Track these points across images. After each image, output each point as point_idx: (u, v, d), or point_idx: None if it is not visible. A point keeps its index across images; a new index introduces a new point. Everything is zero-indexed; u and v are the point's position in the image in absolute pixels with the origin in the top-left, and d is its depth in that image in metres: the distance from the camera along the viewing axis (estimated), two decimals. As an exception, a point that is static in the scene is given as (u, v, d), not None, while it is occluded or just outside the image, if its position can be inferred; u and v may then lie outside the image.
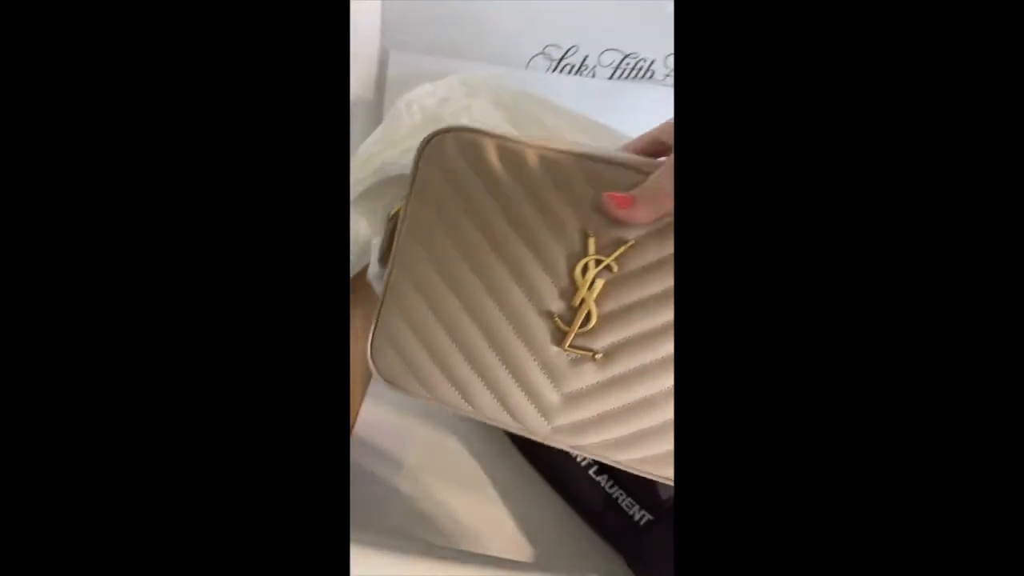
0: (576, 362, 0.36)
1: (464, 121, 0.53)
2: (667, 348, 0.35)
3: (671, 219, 0.35)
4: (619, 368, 0.36)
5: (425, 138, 0.37)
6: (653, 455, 0.37)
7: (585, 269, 0.35)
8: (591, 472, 0.55)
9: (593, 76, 0.61)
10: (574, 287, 0.35)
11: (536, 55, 0.61)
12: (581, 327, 0.36)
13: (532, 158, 0.36)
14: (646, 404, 0.36)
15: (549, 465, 0.56)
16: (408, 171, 0.38)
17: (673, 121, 0.39)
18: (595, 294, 0.35)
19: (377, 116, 0.62)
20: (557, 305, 0.36)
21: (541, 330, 0.36)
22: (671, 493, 0.53)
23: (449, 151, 0.36)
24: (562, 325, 0.36)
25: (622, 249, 0.35)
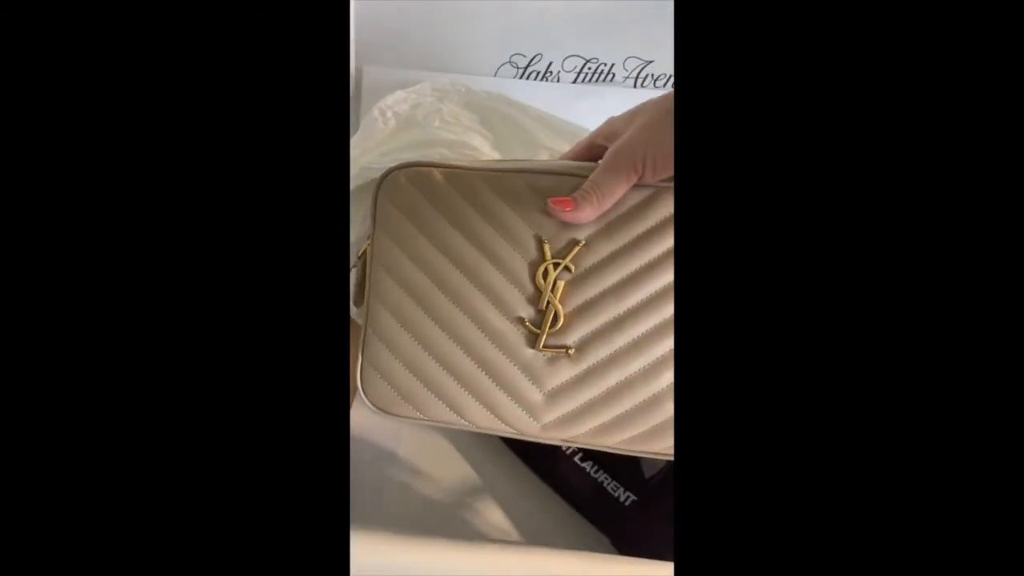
0: (552, 360, 0.39)
1: (436, 123, 0.56)
2: (632, 333, 0.38)
3: (614, 216, 0.37)
4: (592, 359, 0.38)
5: (379, 177, 0.40)
6: (638, 434, 0.39)
7: (546, 273, 0.38)
8: (576, 459, 0.56)
9: (558, 81, 0.64)
10: (538, 292, 0.38)
11: (503, 64, 0.64)
12: (551, 327, 0.38)
13: (478, 180, 0.38)
14: (623, 387, 0.38)
15: (535, 454, 0.57)
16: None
17: (609, 121, 0.41)
18: (558, 295, 0.37)
19: (353, 129, 0.64)
20: (526, 311, 0.38)
21: (515, 336, 0.38)
22: (654, 471, 0.55)
23: (403, 185, 0.39)
24: (533, 328, 0.38)
25: (576, 250, 0.37)
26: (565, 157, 0.44)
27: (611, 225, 0.37)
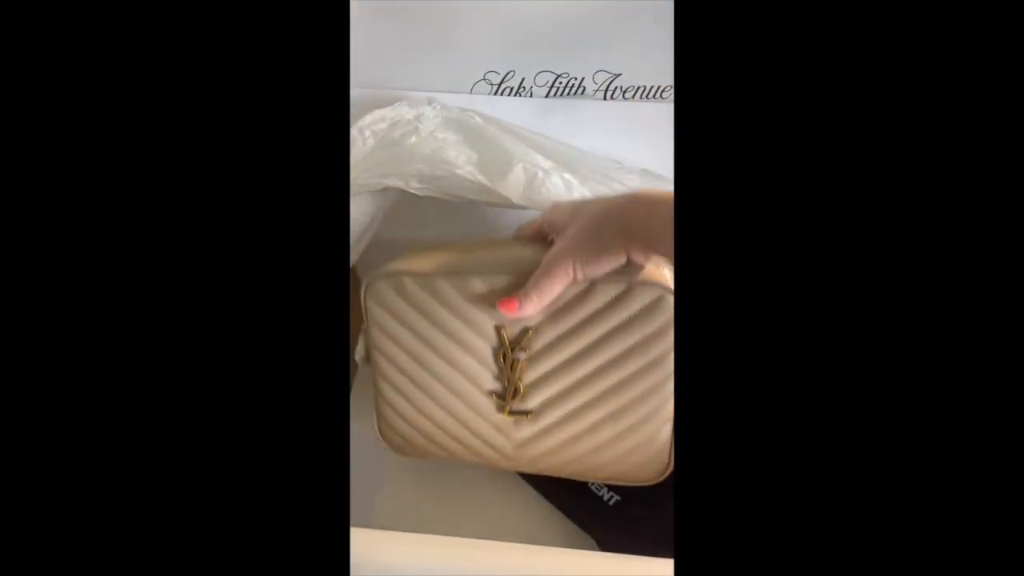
0: (517, 421, 0.50)
1: (412, 140, 0.58)
2: (578, 400, 0.48)
3: (558, 306, 0.46)
4: (547, 420, 0.49)
5: (364, 284, 0.50)
6: (586, 468, 0.51)
7: (505, 356, 0.48)
8: (560, 462, 0.58)
9: (531, 96, 0.66)
10: (501, 370, 0.48)
11: (478, 81, 0.66)
12: (512, 398, 0.49)
13: (445, 286, 0.47)
14: (572, 440, 0.49)
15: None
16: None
17: (554, 208, 0.50)
18: (517, 372, 0.48)
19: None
20: (493, 385, 0.49)
21: (487, 405, 0.50)
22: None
23: (384, 291, 0.49)
24: (499, 401, 0.49)
25: (528, 335, 0.47)
26: (520, 233, 0.55)
27: (555, 314, 0.46)
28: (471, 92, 0.67)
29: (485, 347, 0.48)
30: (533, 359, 0.47)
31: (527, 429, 0.49)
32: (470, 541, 0.45)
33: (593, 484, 0.56)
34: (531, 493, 0.58)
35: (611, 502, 0.56)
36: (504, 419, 0.49)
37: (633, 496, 0.55)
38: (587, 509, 0.56)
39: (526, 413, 0.49)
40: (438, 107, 0.62)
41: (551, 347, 0.47)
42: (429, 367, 0.49)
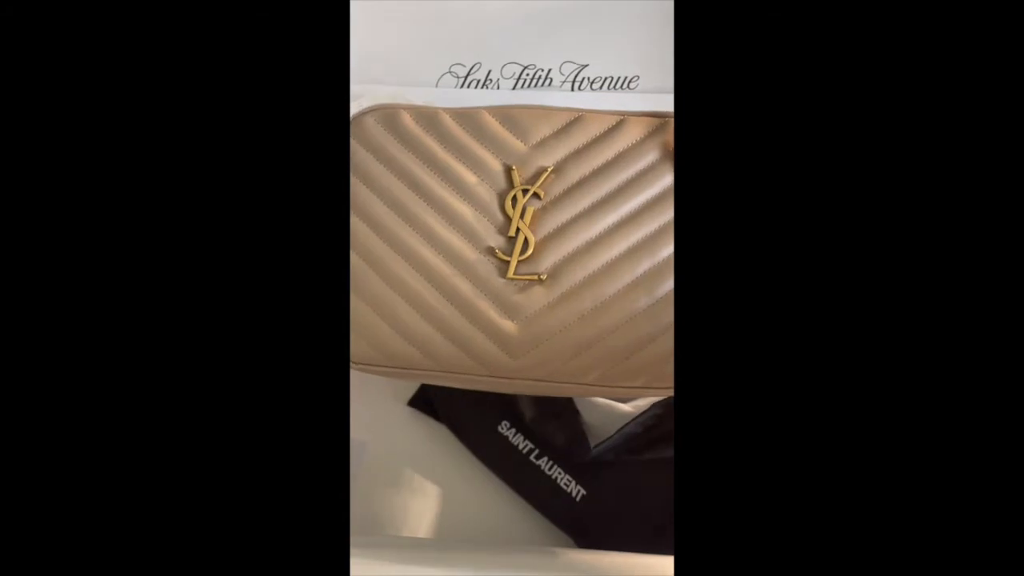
0: (524, 288, 0.38)
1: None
2: (605, 256, 0.38)
3: (583, 143, 0.39)
4: (566, 284, 0.38)
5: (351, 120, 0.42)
6: (615, 365, 0.38)
7: (515, 201, 0.38)
8: (531, 457, 0.57)
9: (498, 88, 0.66)
10: (508, 220, 0.38)
11: (444, 74, 0.65)
12: (521, 254, 0.38)
13: (445, 117, 0.40)
14: (599, 310, 0.38)
15: (492, 456, 0.58)
16: None
17: None
18: (528, 221, 0.38)
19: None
20: (496, 240, 0.39)
21: (485, 267, 0.38)
22: (599, 441, 0.55)
23: (369, 127, 0.40)
24: (504, 257, 0.38)
25: (545, 176, 0.38)
26: None
27: (579, 151, 0.39)
28: (437, 86, 0.66)
29: (489, 192, 0.39)
30: (549, 207, 0.38)
31: (538, 299, 0.38)
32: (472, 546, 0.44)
33: (562, 479, 0.56)
34: (509, 495, 0.57)
35: (578, 497, 0.55)
36: (507, 287, 0.38)
37: (600, 490, 0.55)
38: (559, 506, 0.56)
39: (537, 276, 0.38)
40: (403, 102, 0.61)
41: (571, 192, 0.38)
42: (415, 220, 0.38)
